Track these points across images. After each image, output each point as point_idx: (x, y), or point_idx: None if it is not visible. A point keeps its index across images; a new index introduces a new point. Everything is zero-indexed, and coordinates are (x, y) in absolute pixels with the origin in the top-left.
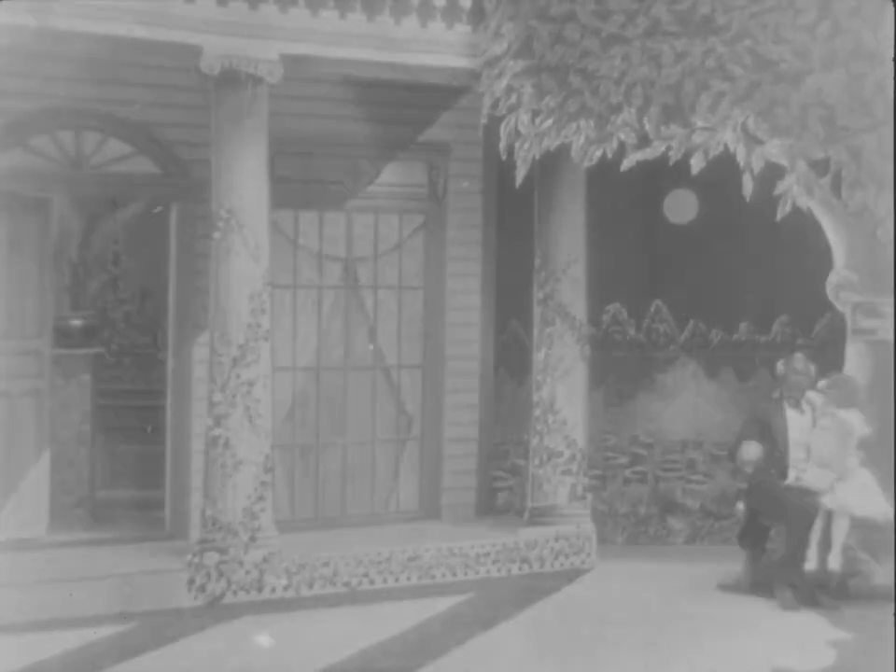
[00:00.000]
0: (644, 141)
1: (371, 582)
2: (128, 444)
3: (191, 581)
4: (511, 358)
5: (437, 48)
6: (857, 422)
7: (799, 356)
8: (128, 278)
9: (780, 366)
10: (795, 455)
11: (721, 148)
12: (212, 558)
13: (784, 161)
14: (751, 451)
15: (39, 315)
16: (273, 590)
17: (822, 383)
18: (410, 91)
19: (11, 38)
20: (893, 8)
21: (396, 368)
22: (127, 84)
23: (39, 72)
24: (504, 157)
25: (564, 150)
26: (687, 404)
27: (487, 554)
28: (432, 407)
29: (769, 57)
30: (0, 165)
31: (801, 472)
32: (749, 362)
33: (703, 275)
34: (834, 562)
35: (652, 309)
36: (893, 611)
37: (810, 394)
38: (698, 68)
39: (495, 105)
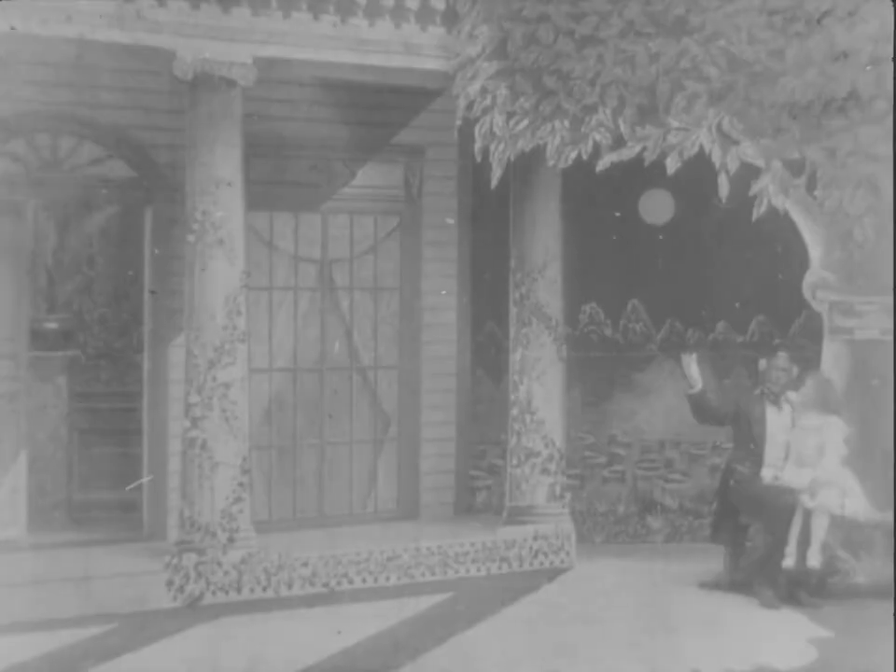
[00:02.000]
0: (619, 142)
1: (351, 582)
2: (105, 446)
3: (170, 582)
4: (487, 359)
5: (411, 50)
6: (837, 426)
7: (782, 354)
8: (103, 281)
9: (763, 363)
10: (773, 453)
11: (696, 149)
12: (190, 559)
13: (759, 162)
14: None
15: (15, 318)
16: (252, 590)
17: (803, 388)
18: (384, 93)
19: None
20: (892, 12)
21: (372, 369)
22: (102, 88)
23: (14, 76)
24: (479, 158)
25: (539, 152)
26: (664, 403)
27: (466, 554)
28: (409, 407)
29: (743, 57)
30: None
31: (779, 471)
32: (727, 361)
33: (679, 275)
34: (814, 560)
35: (629, 309)
36: (893, 610)
37: (790, 393)
38: (673, 69)
39: (469, 107)
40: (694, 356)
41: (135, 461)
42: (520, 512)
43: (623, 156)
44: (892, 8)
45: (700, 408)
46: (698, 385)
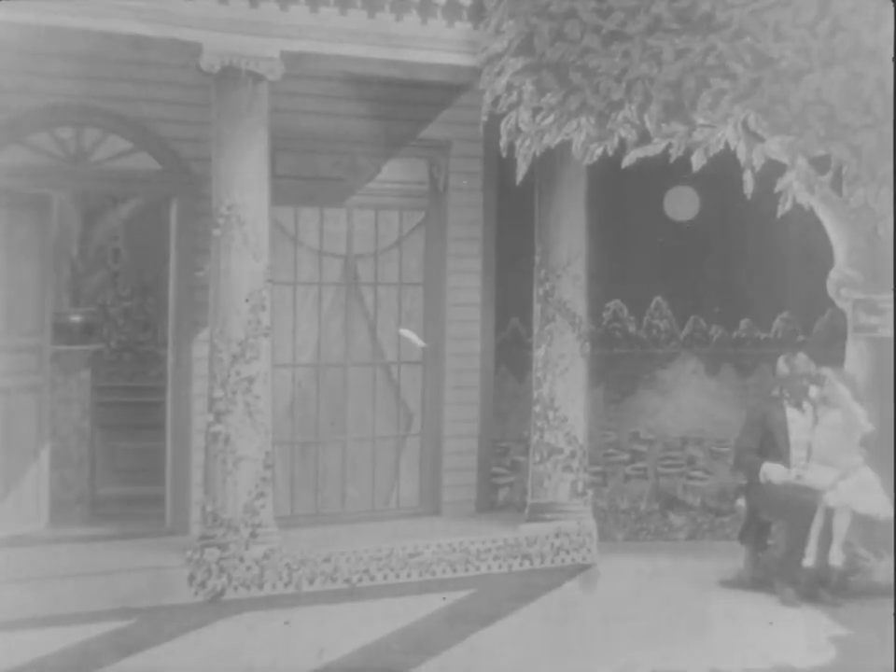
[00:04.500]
0: (645, 138)
1: (372, 579)
2: (128, 440)
3: (192, 578)
4: (511, 355)
5: (437, 45)
6: (862, 415)
7: (802, 355)
8: (128, 274)
9: (783, 364)
10: (796, 454)
11: (721, 146)
12: (212, 554)
13: (785, 159)
14: (777, 473)
15: (39, 312)
16: (274, 586)
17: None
18: (410, 88)
19: (11, 35)
20: (893, 7)
21: (396, 364)
22: (127, 81)
23: (39, 69)
24: (504, 154)
25: (564, 147)
26: (687, 401)
27: (488, 551)
28: (432, 403)
29: (769, 55)
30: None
31: (802, 470)
32: (750, 359)
33: (704, 272)
34: (835, 558)
35: (653, 305)
36: (894, 608)
37: (811, 389)
38: (699, 65)
39: (495, 103)
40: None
41: (158, 456)
42: (542, 509)
43: (649, 152)
44: (892, 8)
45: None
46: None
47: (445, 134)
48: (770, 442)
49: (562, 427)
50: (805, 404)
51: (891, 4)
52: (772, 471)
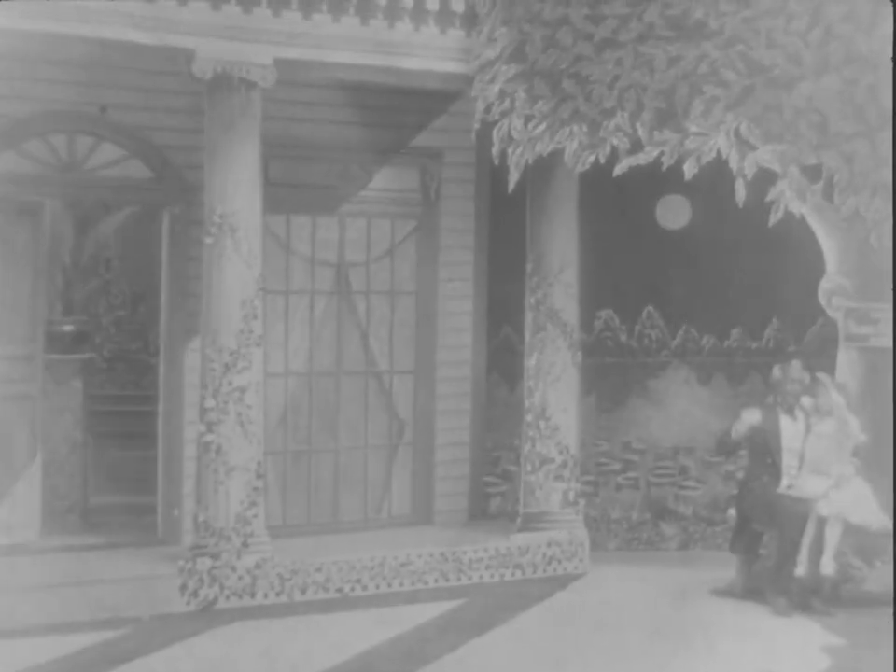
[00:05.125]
0: (637, 146)
1: (364, 588)
2: (120, 450)
3: (184, 587)
4: (502, 364)
5: (430, 52)
6: (855, 425)
7: (796, 363)
8: (120, 283)
9: (777, 372)
10: (787, 461)
11: (713, 154)
12: (204, 563)
13: (777, 167)
14: (752, 416)
15: (31, 320)
16: (266, 595)
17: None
18: (403, 96)
19: (5, 42)
20: (892, 12)
21: (388, 373)
22: (120, 88)
23: (32, 75)
24: (497, 162)
25: (557, 155)
26: (679, 410)
27: (480, 560)
28: (424, 412)
29: (762, 62)
30: None
31: (793, 480)
32: (742, 368)
33: (695, 281)
34: (827, 567)
35: (644, 315)
36: (893, 616)
37: (804, 399)
38: (691, 73)
39: (488, 110)
40: (759, 414)
41: (150, 465)
42: (534, 519)
43: (641, 160)
44: (892, 8)
45: (726, 447)
46: (739, 436)
47: (437, 142)
48: (763, 448)
49: (553, 437)
50: (798, 412)
51: (886, 9)
52: (746, 415)
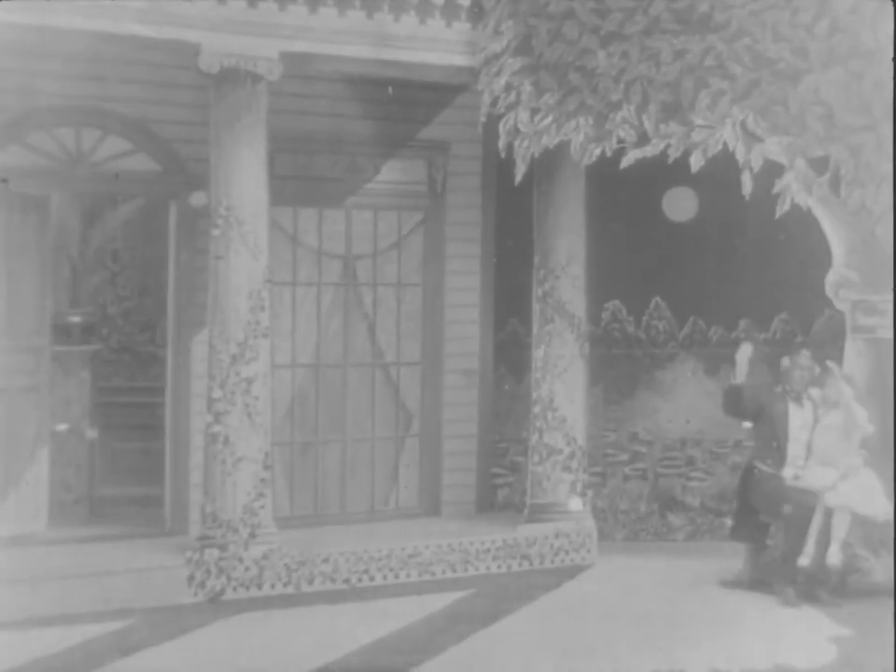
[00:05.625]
0: (643, 139)
1: (371, 579)
2: (127, 441)
3: (191, 578)
4: (510, 356)
5: (436, 45)
6: (862, 416)
7: (805, 352)
8: (127, 275)
9: (785, 360)
10: (794, 451)
11: (720, 146)
12: (212, 555)
13: (783, 159)
14: (745, 351)
15: (38, 312)
16: (273, 586)
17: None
18: (409, 89)
19: (10, 36)
20: (892, 7)
21: (395, 365)
22: (126, 81)
23: (38, 69)
24: (503, 155)
25: (563, 148)
26: (686, 401)
27: (487, 551)
28: (431, 404)
29: (768, 55)
30: None
31: (800, 470)
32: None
33: (702, 273)
34: (834, 558)
35: (652, 306)
36: (894, 607)
37: (812, 390)
38: (697, 66)
39: (494, 103)
40: (750, 347)
41: (158, 456)
42: (541, 510)
43: (647, 153)
44: (892, 8)
45: (734, 400)
46: (742, 377)
47: (444, 135)
48: (769, 433)
49: (561, 428)
50: (806, 402)
51: (890, 4)
52: (740, 354)
